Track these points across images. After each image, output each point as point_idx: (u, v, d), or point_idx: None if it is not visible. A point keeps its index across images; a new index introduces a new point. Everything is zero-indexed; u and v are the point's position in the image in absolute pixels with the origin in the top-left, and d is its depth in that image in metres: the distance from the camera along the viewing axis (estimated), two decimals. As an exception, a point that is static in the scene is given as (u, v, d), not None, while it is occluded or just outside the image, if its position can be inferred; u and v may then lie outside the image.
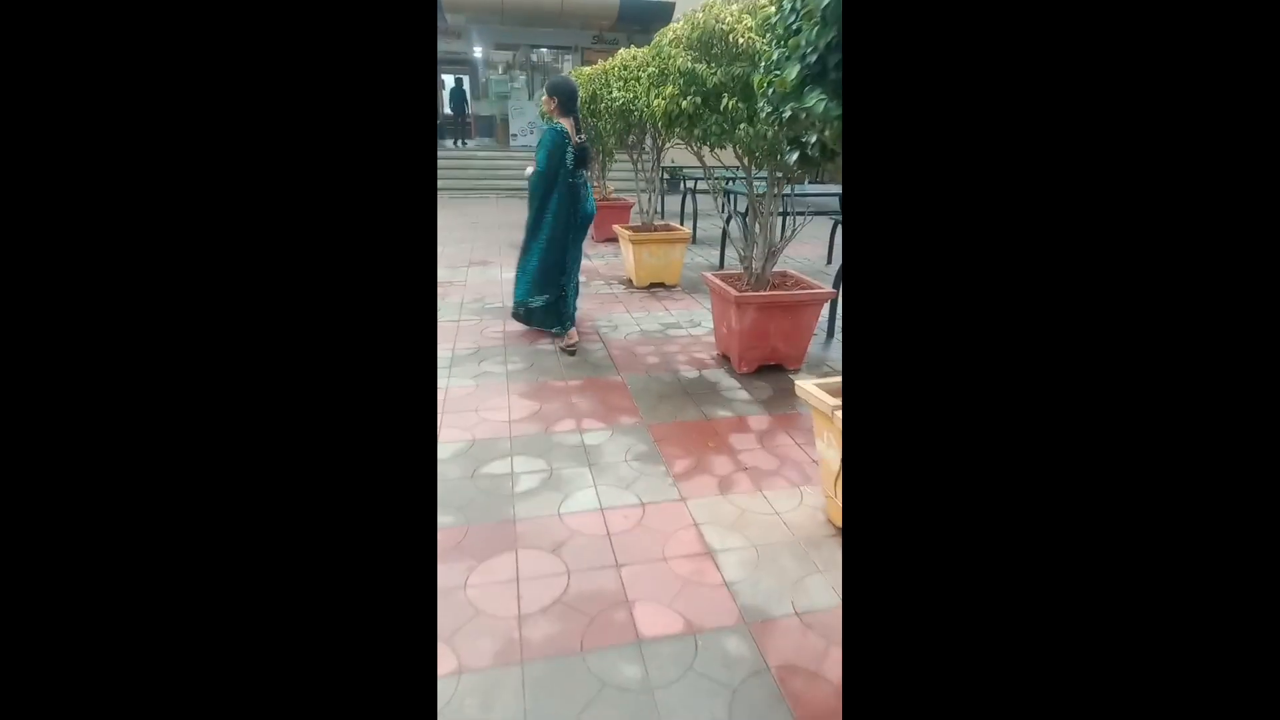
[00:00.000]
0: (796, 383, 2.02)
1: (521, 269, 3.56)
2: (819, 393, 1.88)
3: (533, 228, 3.46)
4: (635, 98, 3.91)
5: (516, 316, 3.69)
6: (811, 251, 6.32)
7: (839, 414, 1.78)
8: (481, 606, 1.67)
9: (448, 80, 13.43)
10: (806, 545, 1.92)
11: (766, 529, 1.99)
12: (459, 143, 12.62)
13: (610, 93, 4.33)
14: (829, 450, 1.93)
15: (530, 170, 3.37)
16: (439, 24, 12.05)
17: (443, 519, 2.03)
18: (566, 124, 3.28)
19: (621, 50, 4.52)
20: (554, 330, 3.63)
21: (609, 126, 4.62)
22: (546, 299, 3.54)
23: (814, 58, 1.35)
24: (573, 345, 3.55)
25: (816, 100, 1.33)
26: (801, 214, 4.09)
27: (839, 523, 1.96)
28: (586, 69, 5.51)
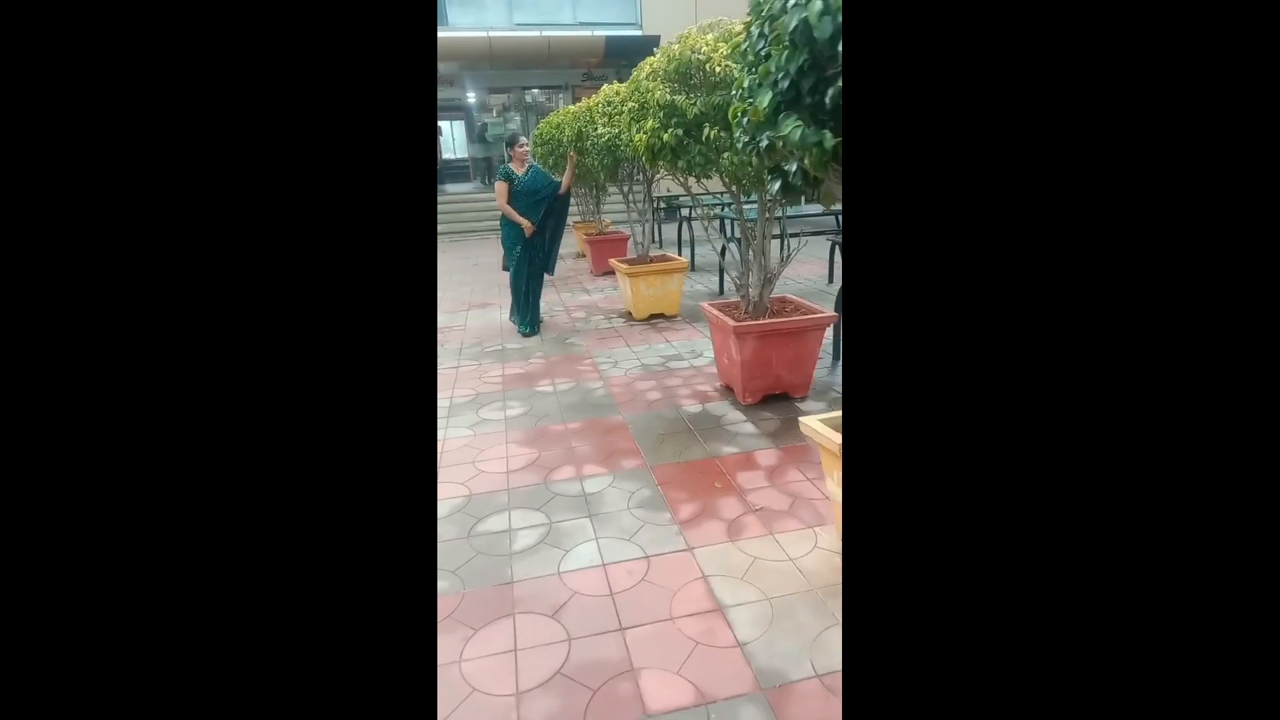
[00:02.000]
0: (801, 421, 1.91)
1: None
2: (825, 430, 1.77)
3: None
4: (620, 133, 3.89)
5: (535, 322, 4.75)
6: (812, 271, 6.24)
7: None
8: (477, 683, 1.55)
9: (443, 127, 13.67)
10: (824, 595, 1.79)
11: (780, 579, 1.87)
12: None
13: (595, 129, 4.32)
14: (841, 490, 1.81)
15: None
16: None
17: (438, 584, 1.92)
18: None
19: (604, 86, 4.53)
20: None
21: (597, 162, 4.60)
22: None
23: (786, 83, 1.28)
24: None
25: (793, 128, 1.25)
26: (797, 235, 4.01)
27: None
28: (572, 107, 5.54)
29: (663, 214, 8.69)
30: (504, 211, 4.41)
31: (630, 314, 4.96)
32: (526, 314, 4.63)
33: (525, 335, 4.60)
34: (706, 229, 3.94)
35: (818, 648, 1.60)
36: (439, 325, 5.11)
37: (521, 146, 4.35)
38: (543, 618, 1.77)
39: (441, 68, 12.19)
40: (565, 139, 5.02)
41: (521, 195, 4.36)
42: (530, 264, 4.55)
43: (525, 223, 4.36)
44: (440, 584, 1.93)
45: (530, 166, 4.42)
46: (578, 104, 5.31)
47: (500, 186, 4.36)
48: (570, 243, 8.98)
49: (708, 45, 2.68)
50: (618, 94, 4.23)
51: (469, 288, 6.54)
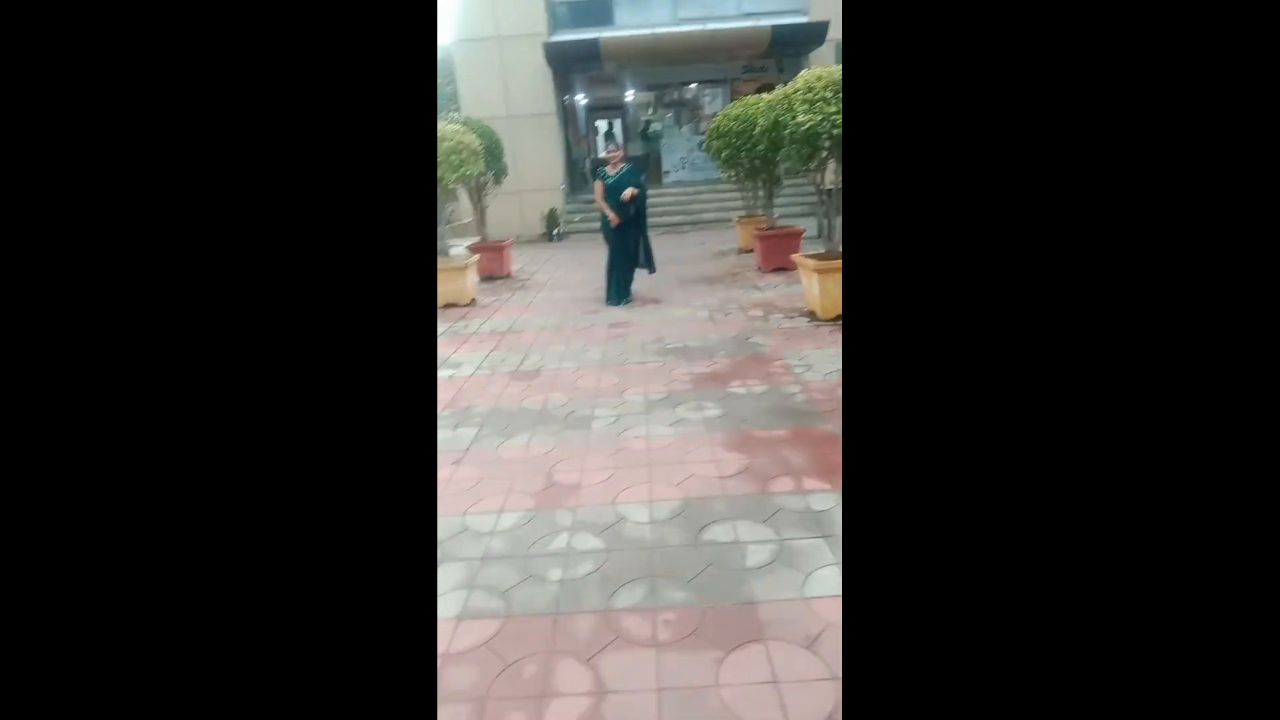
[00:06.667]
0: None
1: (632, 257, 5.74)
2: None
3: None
4: (825, 117, 3.64)
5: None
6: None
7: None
8: (742, 713, 1.43)
9: (600, 125, 14.05)
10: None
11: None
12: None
13: (795, 118, 4.09)
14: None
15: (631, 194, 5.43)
16: (594, 71, 12.66)
17: (675, 594, 1.84)
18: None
19: (803, 73, 4.29)
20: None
21: (793, 151, 4.37)
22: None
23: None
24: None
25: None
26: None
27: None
28: (767, 96, 5.36)
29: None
30: (600, 206, 5.52)
31: (814, 313, 4.68)
32: (613, 290, 5.64)
33: (611, 305, 5.57)
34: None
35: None
36: (619, 320, 5.16)
37: (613, 151, 5.54)
38: (798, 648, 1.61)
39: (606, 66, 12.49)
40: (757, 131, 4.84)
41: (612, 191, 5.31)
42: (621, 250, 5.55)
43: (613, 216, 5.34)
44: (677, 594, 1.85)
45: (621, 168, 5.41)
46: (771, 93, 5.10)
47: (597, 186, 5.50)
48: (731, 238, 8.79)
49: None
50: (819, 79, 3.97)
51: (636, 283, 6.58)
